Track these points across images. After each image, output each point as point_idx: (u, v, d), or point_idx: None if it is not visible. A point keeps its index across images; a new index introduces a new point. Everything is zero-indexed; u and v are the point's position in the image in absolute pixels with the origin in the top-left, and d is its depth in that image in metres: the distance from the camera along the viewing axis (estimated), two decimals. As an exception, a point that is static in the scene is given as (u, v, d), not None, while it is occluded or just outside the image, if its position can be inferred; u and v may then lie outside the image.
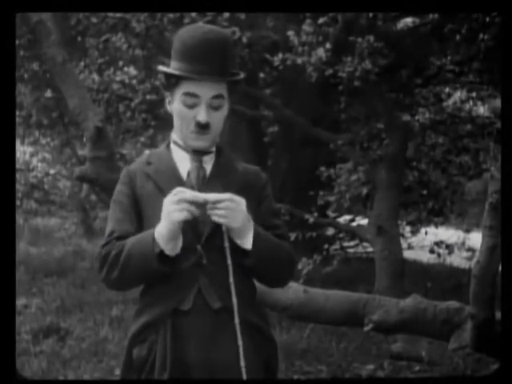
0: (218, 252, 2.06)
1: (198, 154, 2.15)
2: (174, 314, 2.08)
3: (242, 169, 2.21)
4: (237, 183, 2.14)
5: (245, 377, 2.05)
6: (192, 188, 2.08)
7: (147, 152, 2.32)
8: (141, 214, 2.13)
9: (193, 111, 2.10)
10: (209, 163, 2.17)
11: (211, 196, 1.99)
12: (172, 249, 2.01)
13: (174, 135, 2.20)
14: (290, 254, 2.16)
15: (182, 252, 2.04)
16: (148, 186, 2.14)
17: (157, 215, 2.03)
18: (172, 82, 2.12)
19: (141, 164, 2.20)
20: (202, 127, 2.09)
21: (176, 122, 2.16)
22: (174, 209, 1.97)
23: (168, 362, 2.06)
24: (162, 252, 2.01)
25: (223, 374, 2.06)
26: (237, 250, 2.07)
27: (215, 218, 1.99)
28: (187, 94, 2.09)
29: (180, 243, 2.03)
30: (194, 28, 2.15)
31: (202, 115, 2.09)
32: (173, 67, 2.12)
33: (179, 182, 2.12)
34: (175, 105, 2.14)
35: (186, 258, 2.06)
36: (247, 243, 2.04)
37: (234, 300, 2.06)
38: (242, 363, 2.05)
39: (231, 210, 1.99)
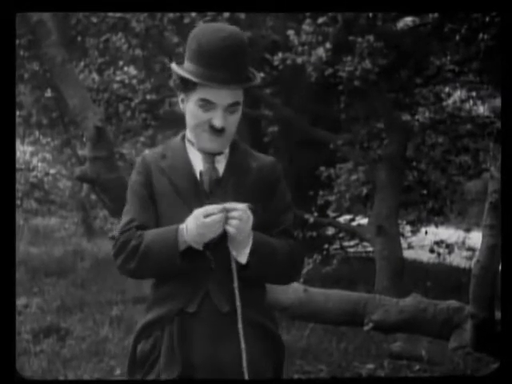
0: (226, 257, 2.07)
1: (210, 154, 2.14)
2: (180, 314, 2.09)
3: (255, 165, 2.18)
4: (250, 182, 2.14)
5: (247, 378, 2.06)
6: (205, 190, 2.10)
7: (161, 145, 2.31)
8: (156, 207, 2.15)
9: (208, 114, 2.08)
10: (222, 162, 2.15)
11: (229, 206, 2.01)
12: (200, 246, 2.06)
13: (188, 133, 2.18)
14: (292, 256, 2.14)
15: (194, 256, 2.06)
16: (162, 182, 2.14)
17: (170, 212, 2.09)
18: (189, 86, 2.08)
19: (156, 156, 2.19)
20: (217, 131, 2.08)
21: (189, 122, 2.14)
22: (207, 231, 2.00)
23: (176, 362, 2.07)
24: (185, 250, 2.04)
25: (228, 376, 2.07)
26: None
27: (226, 227, 2.01)
28: (204, 100, 2.07)
29: None
30: (213, 30, 2.08)
31: (217, 120, 2.07)
32: (189, 70, 2.07)
33: (193, 180, 2.13)
34: (190, 106, 2.11)
35: (196, 262, 2.07)
36: (242, 258, 2.06)
37: (238, 303, 2.07)
38: (245, 366, 2.06)
39: (242, 221, 2.00)
